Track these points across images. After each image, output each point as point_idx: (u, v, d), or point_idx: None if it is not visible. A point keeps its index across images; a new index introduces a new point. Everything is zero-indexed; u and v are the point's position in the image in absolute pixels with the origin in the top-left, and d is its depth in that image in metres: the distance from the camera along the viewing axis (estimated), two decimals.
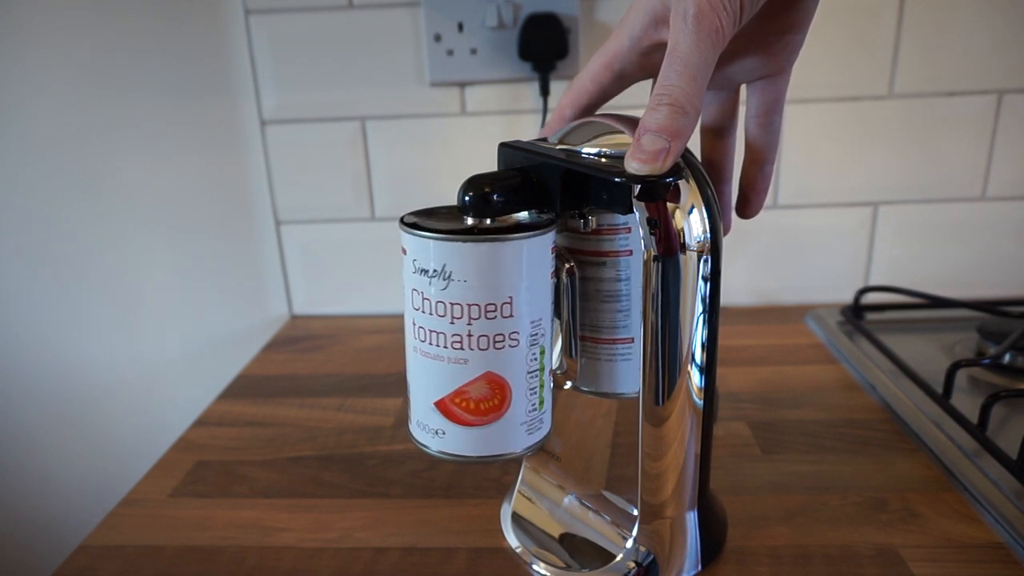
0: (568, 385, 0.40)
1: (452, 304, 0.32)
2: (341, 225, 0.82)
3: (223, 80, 0.77)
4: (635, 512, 0.39)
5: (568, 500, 0.44)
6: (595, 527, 0.42)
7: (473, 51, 0.74)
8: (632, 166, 0.31)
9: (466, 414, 0.34)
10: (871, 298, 0.76)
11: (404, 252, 0.33)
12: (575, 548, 0.42)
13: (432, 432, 0.35)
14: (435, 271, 0.32)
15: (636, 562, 0.39)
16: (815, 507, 0.46)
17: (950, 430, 0.52)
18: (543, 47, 0.72)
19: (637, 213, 0.33)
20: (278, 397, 0.65)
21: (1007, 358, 0.62)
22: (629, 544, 0.39)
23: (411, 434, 0.37)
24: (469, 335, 0.33)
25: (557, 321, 0.38)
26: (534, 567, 0.41)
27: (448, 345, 0.33)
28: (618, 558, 0.39)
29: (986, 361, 0.61)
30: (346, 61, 0.76)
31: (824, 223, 0.80)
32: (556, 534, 0.43)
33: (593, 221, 0.36)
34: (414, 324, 0.34)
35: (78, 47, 0.77)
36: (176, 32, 0.76)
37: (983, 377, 0.61)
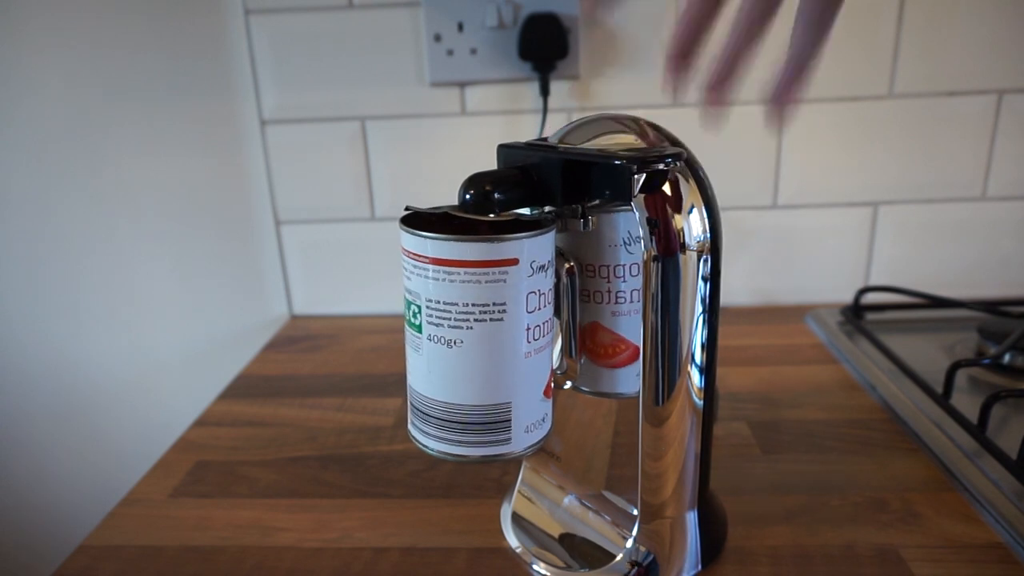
0: (568, 385, 0.40)
1: (552, 288, 0.35)
2: (341, 225, 0.82)
3: (223, 80, 0.77)
4: (635, 512, 0.39)
5: (568, 500, 0.44)
6: (595, 527, 0.42)
7: (473, 51, 0.74)
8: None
9: (552, 383, 0.36)
10: (871, 298, 0.76)
11: (513, 263, 0.32)
12: (575, 548, 0.42)
13: (538, 423, 0.35)
14: (548, 261, 0.33)
15: (636, 562, 0.39)
16: (815, 507, 0.46)
17: (950, 430, 0.52)
18: (543, 47, 0.72)
19: (637, 213, 0.33)
20: (278, 397, 0.65)
21: (1007, 358, 0.62)
22: (629, 544, 0.39)
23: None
24: (551, 312, 0.35)
25: (557, 321, 0.38)
26: (534, 567, 0.41)
27: (551, 330, 0.35)
28: (618, 558, 0.39)
29: (986, 361, 0.61)
30: (346, 61, 0.76)
31: (824, 223, 0.80)
32: (556, 534, 0.43)
33: (593, 221, 0.36)
34: (528, 329, 0.33)
35: (78, 47, 0.77)
36: (176, 32, 0.76)
37: (983, 377, 0.61)
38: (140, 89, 0.78)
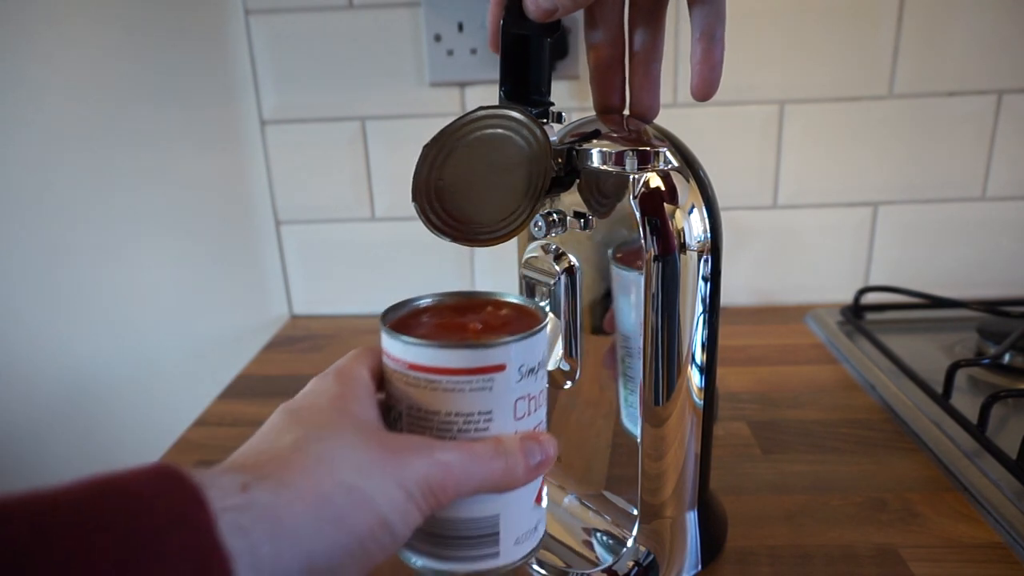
0: (568, 385, 0.40)
1: (544, 388, 0.31)
2: (341, 225, 0.82)
3: (223, 80, 0.77)
4: (635, 512, 0.39)
5: (568, 500, 0.44)
6: (595, 527, 0.42)
7: (473, 51, 0.74)
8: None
9: (545, 487, 0.32)
10: (871, 298, 0.76)
11: (500, 369, 0.28)
12: (575, 548, 0.42)
13: (529, 532, 0.32)
14: (540, 363, 0.30)
15: (636, 562, 0.39)
16: (815, 507, 0.46)
17: (950, 430, 0.52)
18: None
19: (637, 213, 0.33)
20: (278, 397, 0.64)
21: (1007, 358, 0.62)
22: (629, 544, 0.39)
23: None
24: (544, 414, 0.32)
25: (558, 320, 0.38)
26: (534, 567, 0.41)
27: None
28: (618, 558, 0.39)
29: (986, 361, 0.61)
30: (346, 61, 0.76)
31: (824, 223, 0.80)
32: (556, 534, 0.43)
33: (593, 221, 0.36)
34: (516, 435, 0.30)
35: (80, 48, 0.77)
36: (176, 33, 0.76)
37: (983, 377, 0.61)
38: (140, 90, 0.78)
